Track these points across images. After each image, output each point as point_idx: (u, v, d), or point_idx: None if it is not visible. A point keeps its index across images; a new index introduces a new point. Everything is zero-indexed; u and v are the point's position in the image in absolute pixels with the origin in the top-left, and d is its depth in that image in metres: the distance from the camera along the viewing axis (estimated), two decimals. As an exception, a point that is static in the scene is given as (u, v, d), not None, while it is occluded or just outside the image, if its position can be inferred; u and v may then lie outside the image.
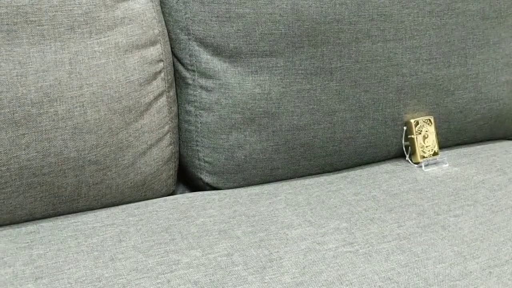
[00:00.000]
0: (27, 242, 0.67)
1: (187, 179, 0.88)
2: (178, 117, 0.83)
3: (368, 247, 0.67)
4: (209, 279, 0.61)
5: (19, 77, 0.66)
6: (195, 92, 0.81)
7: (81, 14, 0.69)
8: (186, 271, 0.63)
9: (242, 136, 0.81)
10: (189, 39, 0.79)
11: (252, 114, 0.81)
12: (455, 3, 0.87)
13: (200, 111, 0.81)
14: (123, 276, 0.62)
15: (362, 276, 0.63)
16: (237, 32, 0.78)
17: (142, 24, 0.75)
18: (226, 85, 0.80)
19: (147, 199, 0.80)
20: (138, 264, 0.63)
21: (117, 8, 0.72)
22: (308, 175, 0.87)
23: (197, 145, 0.82)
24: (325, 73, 0.82)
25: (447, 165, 0.88)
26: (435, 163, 0.88)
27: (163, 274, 0.62)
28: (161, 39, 0.78)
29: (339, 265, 0.64)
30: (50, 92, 0.68)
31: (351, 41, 0.82)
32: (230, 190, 0.82)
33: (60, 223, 0.72)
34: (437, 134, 0.90)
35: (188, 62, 0.80)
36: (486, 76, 0.93)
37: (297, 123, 0.82)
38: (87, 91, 0.70)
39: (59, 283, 0.60)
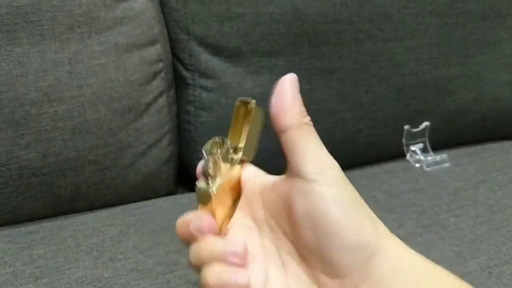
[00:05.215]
0: (27, 242, 0.67)
1: (187, 179, 0.88)
2: (178, 117, 0.83)
3: (368, 247, 0.67)
4: (209, 279, 0.61)
5: (19, 77, 0.66)
6: (195, 92, 0.81)
7: (81, 14, 0.69)
8: (186, 271, 0.62)
9: (242, 136, 0.81)
10: (189, 39, 0.79)
11: (252, 114, 0.81)
12: (455, 3, 0.87)
13: (200, 111, 0.81)
14: (123, 276, 0.62)
15: (362, 276, 0.62)
16: (237, 32, 0.78)
17: (142, 24, 0.75)
18: (226, 85, 0.80)
19: (147, 199, 0.80)
20: (138, 264, 0.63)
21: (117, 8, 0.72)
22: (308, 175, 0.86)
23: (197, 145, 0.82)
24: (325, 73, 0.82)
25: (448, 165, 0.88)
26: (435, 163, 0.88)
27: (163, 274, 0.62)
28: (161, 39, 0.78)
29: (339, 265, 0.64)
30: (50, 92, 0.68)
31: (351, 41, 0.82)
32: (230, 190, 0.82)
33: (60, 223, 0.72)
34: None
35: (188, 62, 0.80)
36: (486, 76, 0.93)
37: (297, 123, 0.82)
38: (87, 91, 0.70)
39: (59, 283, 0.60)
